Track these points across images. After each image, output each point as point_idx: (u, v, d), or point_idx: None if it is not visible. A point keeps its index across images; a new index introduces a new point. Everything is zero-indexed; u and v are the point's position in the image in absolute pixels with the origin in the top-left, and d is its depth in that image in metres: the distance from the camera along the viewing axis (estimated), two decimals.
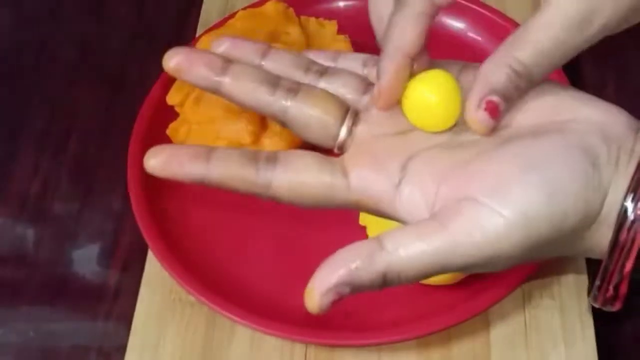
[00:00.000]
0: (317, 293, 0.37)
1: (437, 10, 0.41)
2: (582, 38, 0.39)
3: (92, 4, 0.82)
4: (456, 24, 0.73)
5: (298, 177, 0.40)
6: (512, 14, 0.72)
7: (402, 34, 0.41)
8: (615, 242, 0.38)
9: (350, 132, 0.42)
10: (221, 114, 0.64)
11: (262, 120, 0.63)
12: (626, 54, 0.73)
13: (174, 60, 0.43)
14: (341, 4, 0.76)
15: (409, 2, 0.41)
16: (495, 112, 0.39)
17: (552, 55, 0.39)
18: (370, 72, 0.45)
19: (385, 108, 0.42)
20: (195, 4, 0.79)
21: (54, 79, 0.77)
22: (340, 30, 0.70)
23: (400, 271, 0.37)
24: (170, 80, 0.68)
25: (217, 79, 0.43)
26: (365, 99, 0.44)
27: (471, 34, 0.72)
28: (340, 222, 0.63)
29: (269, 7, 0.69)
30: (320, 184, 0.41)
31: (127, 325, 0.61)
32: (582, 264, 0.61)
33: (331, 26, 0.70)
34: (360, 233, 0.60)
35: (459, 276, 0.58)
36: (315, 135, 0.43)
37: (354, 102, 0.44)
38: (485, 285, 0.58)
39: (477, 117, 0.39)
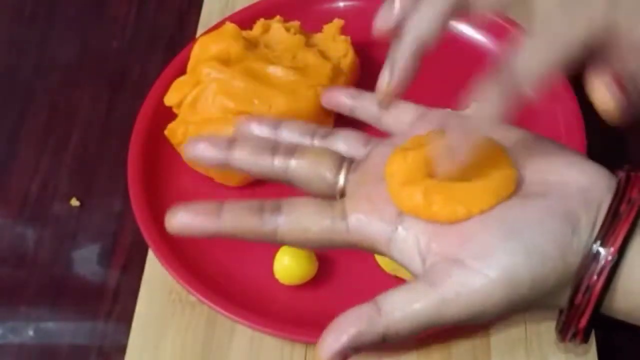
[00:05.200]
0: (324, 358, 0.40)
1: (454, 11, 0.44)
2: None
3: (92, 4, 0.82)
4: (458, 25, 0.73)
5: (301, 224, 0.43)
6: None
7: (420, 23, 0.44)
8: (570, 304, 0.41)
9: (347, 179, 0.45)
10: (218, 115, 0.64)
11: None
12: None
13: (191, 153, 0.47)
14: (341, 4, 0.76)
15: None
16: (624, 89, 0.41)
17: None
18: (382, 114, 0.49)
19: (395, 94, 0.45)
20: (196, 4, 0.79)
21: (54, 79, 0.77)
22: (341, 31, 0.70)
23: (397, 330, 0.41)
24: (170, 81, 0.68)
25: (224, 155, 0.46)
26: (366, 149, 0.47)
27: (473, 35, 0.72)
28: None
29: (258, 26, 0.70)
30: (322, 229, 0.43)
31: (127, 325, 0.61)
32: None
33: (331, 27, 0.70)
34: None
35: None
36: (316, 187, 0.45)
37: (354, 154, 0.47)
38: None
39: (608, 94, 0.41)
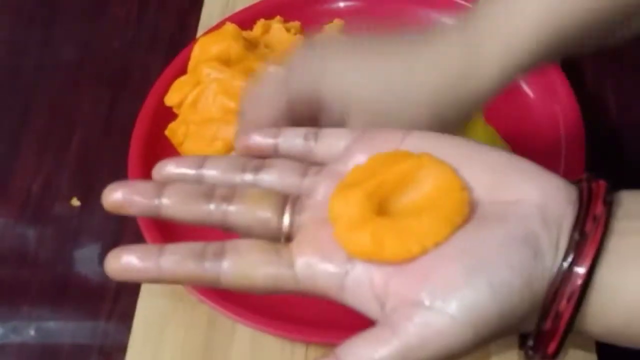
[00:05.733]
0: None
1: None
2: None
3: (93, 4, 0.82)
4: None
5: (244, 272, 0.40)
6: None
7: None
8: (538, 330, 0.39)
9: (292, 222, 0.42)
10: (218, 115, 0.64)
11: None
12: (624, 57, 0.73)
13: (111, 198, 0.44)
14: (341, 4, 0.76)
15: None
16: None
17: None
18: (312, 146, 0.45)
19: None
20: (196, 5, 0.79)
21: (55, 79, 0.77)
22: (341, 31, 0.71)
23: None
24: (170, 81, 0.68)
25: (155, 204, 0.43)
26: (306, 181, 0.43)
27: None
28: None
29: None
30: (267, 277, 0.40)
31: (128, 325, 0.61)
32: None
33: (331, 27, 0.70)
34: None
35: None
36: (259, 234, 0.41)
37: (294, 187, 0.43)
38: None
39: None
